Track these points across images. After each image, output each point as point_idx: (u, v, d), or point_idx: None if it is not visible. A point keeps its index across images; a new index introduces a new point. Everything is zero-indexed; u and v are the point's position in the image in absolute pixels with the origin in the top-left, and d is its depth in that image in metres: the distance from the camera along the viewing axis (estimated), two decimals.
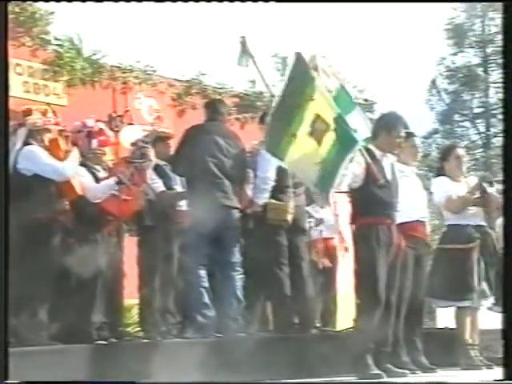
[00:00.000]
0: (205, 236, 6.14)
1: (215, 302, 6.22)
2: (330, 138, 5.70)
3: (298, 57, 6.10)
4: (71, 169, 5.73)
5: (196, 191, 6.24)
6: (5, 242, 4.35)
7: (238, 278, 6.25)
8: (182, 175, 6.55)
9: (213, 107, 6.68)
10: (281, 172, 6.46)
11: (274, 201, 6.43)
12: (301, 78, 6.00)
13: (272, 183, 6.45)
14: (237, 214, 6.31)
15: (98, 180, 6.09)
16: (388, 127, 5.86)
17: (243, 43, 6.30)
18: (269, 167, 6.44)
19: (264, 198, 6.41)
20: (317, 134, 5.81)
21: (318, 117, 5.84)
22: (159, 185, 6.61)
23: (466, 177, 6.79)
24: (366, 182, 5.68)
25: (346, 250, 7.96)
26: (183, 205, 6.61)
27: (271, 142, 5.90)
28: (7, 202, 4.52)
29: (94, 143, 6.13)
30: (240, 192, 6.40)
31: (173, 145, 6.80)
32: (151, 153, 6.40)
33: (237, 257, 6.29)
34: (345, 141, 5.65)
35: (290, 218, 6.42)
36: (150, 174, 6.53)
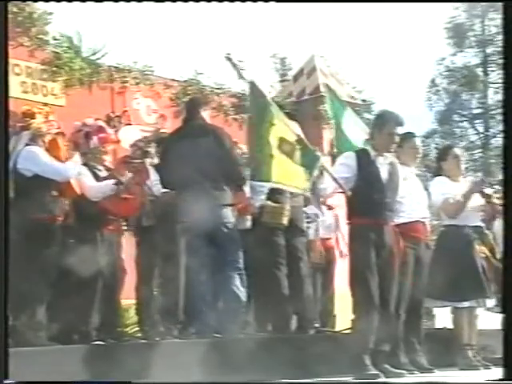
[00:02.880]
0: (202, 237, 6.13)
1: (215, 302, 6.21)
2: (297, 156, 5.95)
3: (252, 86, 6.25)
4: (73, 170, 5.74)
5: (186, 198, 6.20)
6: (5, 242, 4.36)
7: (238, 278, 6.22)
8: (170, 185, 6.50)
9: (188, 107, 6.60)
10: None
11: (270, 203, 6.41)
12: (258, 105, 6.21)
13: (269, 185, 6.42)
14: (230, 213, 6.22)
15: (99, 179, 6.10)
16: (379, 126, 5.88)
17: (229, 59, 6.37)
18: None
19: (260, 200, 6.39)
20: (287, 153, 6.04)
21: (282, 139, 6.07)
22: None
23: (465, 177, 6.79)
24: (359, 183, 5.70)
25: (341, 254, 7.98)
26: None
27: (255, 169, 6.03)
28: (7, 202, 4.53)
29: (94, 141, 6.14)
30: (235, 191, 6.31)
31: None
32: (152, 152, 6.41)
33: (236, 257, 6.26)
34: (308, 158, 5.86)
35: (285, 220, 6.41)
36: (154, 175, 6.52)
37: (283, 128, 6.13)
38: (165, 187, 6.49)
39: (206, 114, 6.51)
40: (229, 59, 6.37)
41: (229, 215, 6.24)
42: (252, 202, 6.41)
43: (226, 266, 6.21)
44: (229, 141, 6.39)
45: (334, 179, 5.73)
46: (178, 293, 6.48)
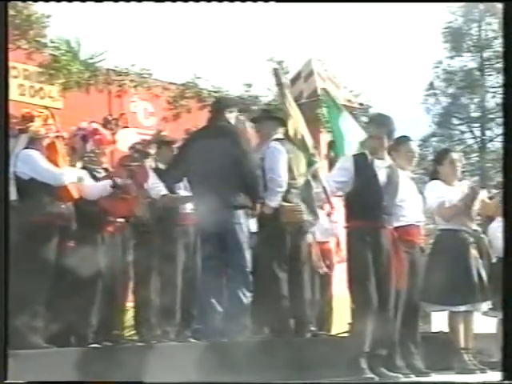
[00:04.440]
0: (210, 239, 6.13)
1: (217, 306, 6.20)
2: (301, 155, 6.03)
3: (276, 73, 6.28)
4: (69, 176, 5.74)
5: (197, 195, 6.21)
6: (5, 244, 4.37)
7: (244, 282, 6.15)
8: (178, 181, 6.52)
9: (213, 108, 6.59)
10: (289, 174, 6.45)
11: (286, 203, 6.39)
12: (281, 95, 6.29)
13: (286, 186, 6.40)
14: (242, 215, 6.17)
15: (97, 180, 6.10)
16: (369, 130, 5.92)
17: (277, 74, 6.44)
18: (282, 169, 6.41)
19: (278, 201, 6.36)
20: (299, 146, 6.10)
21: (296, 132, 6.11)
22: (161, 188, 6.61)
23: (461, 181, 6.79)
24: (357, 186, 5.71)
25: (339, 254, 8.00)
26: (186, 207, 6.61)
27: None
28: (7, 203, 4.54)
29: (91, 144, 6.14)
30: (250, 193, 6.24)
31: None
32: (151, 154, 6.42)
33: (243, 261, 6.17)
34: (307, 161, 5.93)
35: (304, 218, 6.43)
36: (152, 177, 6.53)
37: (297, 122, 6.18)
38: (174, 182, 6.52)
39: (231, 116, 6.43)
40: (276, 73, 6.45)
41: (239, 217, 6.15)
42: (268, 203, 6.35)
43: (232, 269, 6.17)
44: (246, 143, 6.32)
45: (324, 189, 5.77)
46: (176, 295, 6.49)
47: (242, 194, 6.16)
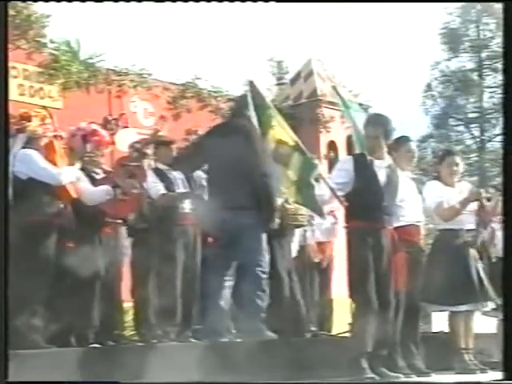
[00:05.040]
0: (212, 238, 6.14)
1: (222, 305, 6.19)
2: (296, 160, 5.98)
3: (252, 86, 6.26)
4: (67, 175, 5.73)
5: (209, 193, 6.20)
6: (5, 243, 4.36)
7: (256, 282, 6.08)
8: (193, 171, 6.51)
9: (235, 104, 6.60)
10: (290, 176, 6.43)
11: (288, 205, 6.38)
12: (258, 106, 6.27)
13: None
14: (251, 214, 6.13)
15: (95, 182, 6.09)
16: (366, 130, 5.93)
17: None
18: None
19: (280, 202, 6.34)
20: (282, 158, 6.07)
21: (280, 142, 6.10)
22: (160, 187, 6.60)
23: (460, 181, 6.79)
24: (356, 187, 5.71)
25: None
26: (186, 207, 6.60)
27: None
28: (7, 203, 4.53)
29: (90, 145, 6.13)
30: (261, 194, 6.19)
31: (175, 149, 6.79)
32: (150, 153, 6.42)
33: (251, 261, 6.13)
34: (305, 166, 5.90)
35: (305, 221, 6.41)
36: (152, 177, 6.53)
37: (282, 131, 6.16)
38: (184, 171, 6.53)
39: (252, 114, 6.35)
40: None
41: (247, 217, 6.10)
42: None
43: (241, 270, 6.15)
44: (259, 142, 6.24)
45: (331, 189, 5.75)
46: (176, 295, 6.49)
47: (254, 194, 6.13)
